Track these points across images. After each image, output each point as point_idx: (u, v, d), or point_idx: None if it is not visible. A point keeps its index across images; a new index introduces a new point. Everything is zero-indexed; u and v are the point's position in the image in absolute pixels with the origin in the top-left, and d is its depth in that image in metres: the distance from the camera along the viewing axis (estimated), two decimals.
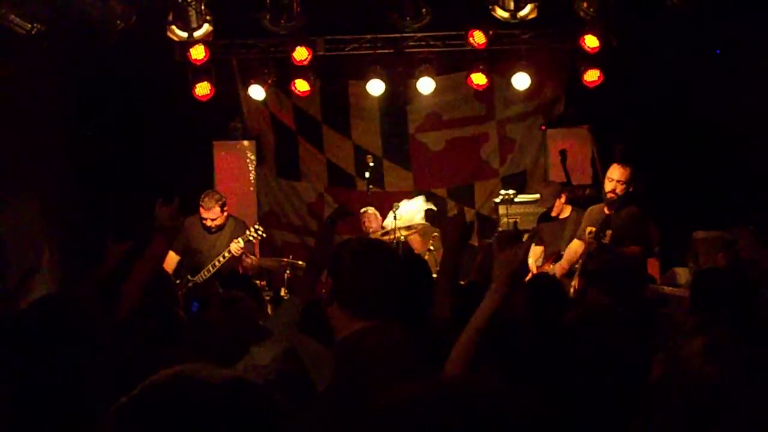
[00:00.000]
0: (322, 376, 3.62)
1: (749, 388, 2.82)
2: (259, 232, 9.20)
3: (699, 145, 10.75)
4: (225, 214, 9.30)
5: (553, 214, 9.61)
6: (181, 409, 1.91)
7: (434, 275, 8.59)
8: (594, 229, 8.34)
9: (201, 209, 9.16)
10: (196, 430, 1.91)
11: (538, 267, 9.37)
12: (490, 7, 8.56)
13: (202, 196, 9.22)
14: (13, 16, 8.22)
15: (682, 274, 9.14)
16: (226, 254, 9.04)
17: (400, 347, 3.64)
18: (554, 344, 4.20)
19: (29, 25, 8.35)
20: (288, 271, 9.75)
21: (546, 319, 4.99)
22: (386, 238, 9.81)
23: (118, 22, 8.70)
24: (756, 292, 5.39)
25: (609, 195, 8.31)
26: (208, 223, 9.21)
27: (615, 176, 8.31)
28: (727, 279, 5.30)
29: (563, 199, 9.49)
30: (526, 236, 8.63)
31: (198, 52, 10.16)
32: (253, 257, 9.40)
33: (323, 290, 3.72)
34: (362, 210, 10.64)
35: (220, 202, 9.20)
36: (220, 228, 9.27)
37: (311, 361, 3.79)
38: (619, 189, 8.31)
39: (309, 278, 4.72)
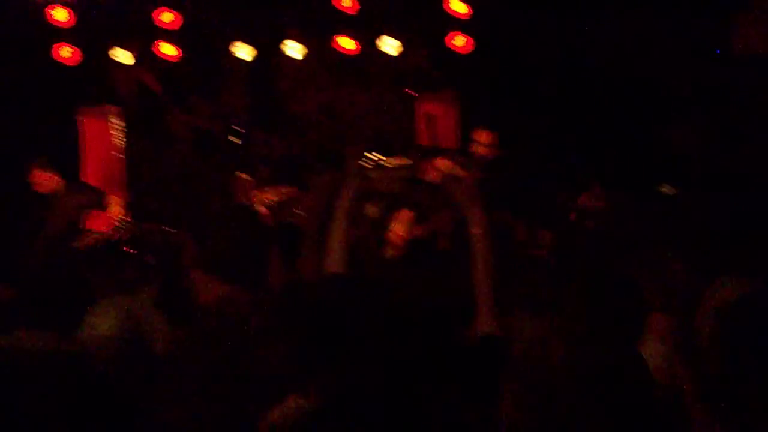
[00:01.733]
0: (161, 343, 3.63)
1: None
2: (128, 225, 9.13)
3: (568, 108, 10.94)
4: (54, 177, 9.32)
5: (422, 177, 9.69)
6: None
7: None
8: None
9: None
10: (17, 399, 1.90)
11: (410, 231, 9.44)
12: None
13: None
14: None
15: None
16: None
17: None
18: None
19: None
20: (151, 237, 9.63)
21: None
22: (253, 200, 9.79)
23: None
24: None
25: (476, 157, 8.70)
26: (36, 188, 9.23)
27: (482, 140, 8.70)
28: None
29: (432, 163, 9.60)
30: None
31: (61, 14, 9.94)
32: None
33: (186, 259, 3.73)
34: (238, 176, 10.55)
35: (42, 166, 9.26)
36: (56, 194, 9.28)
37: (150, 327, 3.80)
38: (487, 152, 8.70)
39: None
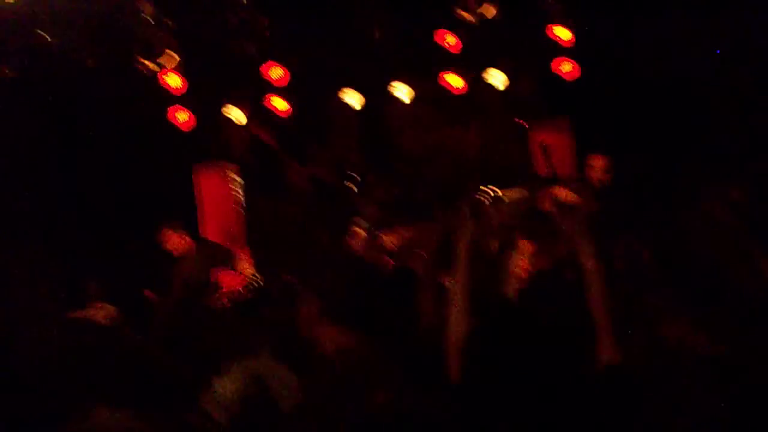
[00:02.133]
0: (290, 401, 3.63)
1: None
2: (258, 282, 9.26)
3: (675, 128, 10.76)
4: (187, 239, 9.47)
5: (542, 208, 9.60)
6: None
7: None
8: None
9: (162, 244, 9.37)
10: None
11: (533, 263, 9.34)
12: (454, 10, 8.60)
13: None
14: None
15: None
16: None
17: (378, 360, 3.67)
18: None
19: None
20: (277, 291, 9.71)
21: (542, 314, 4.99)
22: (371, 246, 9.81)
23: (89, 60, 8.72)
24: None
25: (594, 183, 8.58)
26: (175, 254, 9.39)
27: (598, 165, 8.58)
28: None
29: (552, 193, 9.51)
30: None
31: (174, 81, 10.19)
32: None
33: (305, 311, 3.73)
34: (352, 228, 10.61)
35: (175, 230, 9.41)
36: (189, 254, 9.45)
37: (277, 386, 3.80)
38: (603, 177, 8.60)
39: None
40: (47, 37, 8.27)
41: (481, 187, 10.70)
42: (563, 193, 8.58)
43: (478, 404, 3.52)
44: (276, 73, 10.63)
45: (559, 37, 10.30)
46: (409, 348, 4.35)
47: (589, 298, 3.83)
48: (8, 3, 7.20)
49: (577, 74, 10.56)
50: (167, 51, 8.76)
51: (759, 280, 4.96)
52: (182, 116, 10.69)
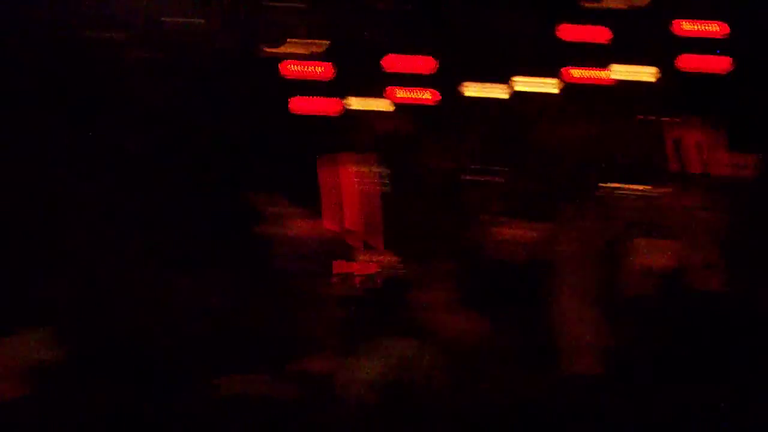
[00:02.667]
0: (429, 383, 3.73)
1: None
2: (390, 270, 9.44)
3: None
4: None
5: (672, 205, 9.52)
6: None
7: None
8: None
9: None
10: None
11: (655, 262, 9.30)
12: None
13: None
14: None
15: None
16: None
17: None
18: None
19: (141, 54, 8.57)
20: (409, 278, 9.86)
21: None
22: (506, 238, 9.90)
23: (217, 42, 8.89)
24: None
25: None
26: None
27: (738, 162, 8.55)
28: None
29: (682, 190, 9.43)
30: None
31: (321, 69, 10.38)
32: None
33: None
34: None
35: None
36: None
37: (416, 369, 3.93)
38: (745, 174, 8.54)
39: None
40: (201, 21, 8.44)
41: (615, 183, 10.71)
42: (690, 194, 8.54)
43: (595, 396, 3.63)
44: (417, 63, 10.72)
45: (708, 31, 10.14)
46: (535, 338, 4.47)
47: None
48: None
49: (726, 69, 10.38)
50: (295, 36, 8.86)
51: None
52: (329, 104, 10.86)
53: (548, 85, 11.15)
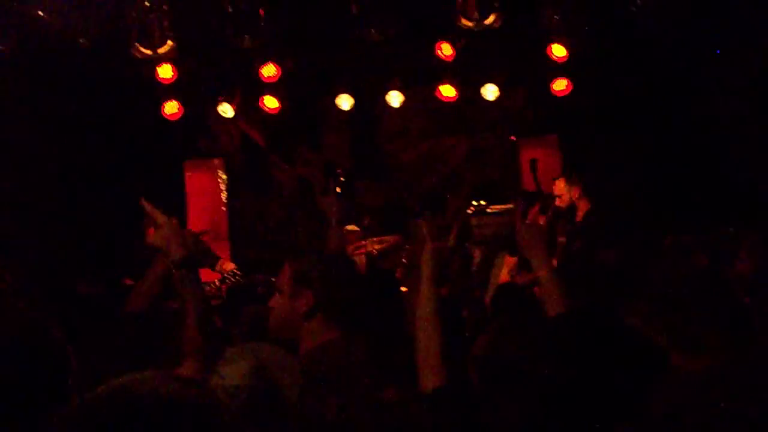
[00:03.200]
0: (294, 390, 3.61)
1: None
2: (237, 277, 9.22)
3: (666, 151, 10.81)
4: None
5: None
6: (122, 423, 1.89)
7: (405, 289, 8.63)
8: (564, 239, 8.45)
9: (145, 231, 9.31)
10: None
11: (512, 277, 9.36)
12: (455, 17, 8.59)
13: None
14: None
15: None
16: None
17: (362, 358, 3.70)
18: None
19: None
20: (259, 288, 9.70)
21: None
22: (359, 252, 9.81)
23: (81, 40, 8.65)
24: None
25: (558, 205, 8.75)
26: None
27: (554, 191, 8.78)
28: None
29: (536, 208, 9.51)
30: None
31: (165, 71, 10.08)
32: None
33: (302, 306, 3.75)
34: (348, 228, 10.58)
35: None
36: None
37: (281, 375, 3.78)
38: (561, 202, 8.78)
39: None
40: (41, 13, 8.18)
41: (468, 199, 10.76)
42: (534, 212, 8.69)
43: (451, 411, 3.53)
44: (269, 70, 10.51)
45: (555, 54, 10.30)
46: (390, 350, 4.34)
47: (549, 308, 3.82)
48: None
49: (569, 91, 10.57)
50: (162, 38, 8.65)
51: None
52: (171, 108, 10.59)
53: (412, 99, 11.09)
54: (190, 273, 3.78)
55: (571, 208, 9.04)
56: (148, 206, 4.03)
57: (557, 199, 9.05)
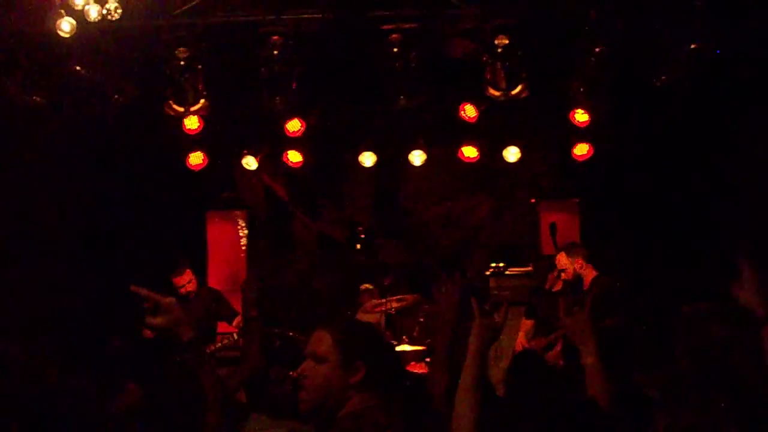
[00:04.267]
0: None
1: None
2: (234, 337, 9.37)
3: (688, 215, 10.88)
4: (194, 280, 9.53)
5: (546, 287, 9.69)
6: None
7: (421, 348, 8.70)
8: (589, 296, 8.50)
9: (173, 280, 9.40)
10: None
11: (529, 341, 9.42)
12: (483, 86, 8.72)
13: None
14: (14, 87, 8.35)
15: None
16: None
17: (400, 425, 3.76)
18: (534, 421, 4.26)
19: (29, 97, 8.47)
20: (277, 342, 9.76)
21: (528, 393, 5.07)
22: (378, 309, 9.89)
23: (117, 96, 8.80)
24: None
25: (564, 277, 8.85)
26: (181, 291, 9.42)
27: (559, 266, 8.86)
28: None
29: (555, 272, 9.57)
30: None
31: (192, 122, 10.16)
32: None
33: (355, 377, 3.76)
34: (363, 287, 10.66)
35: (189, 266, 9.47)
36: (191, 296, 9.51)
37: None
38: (565, 275, 8.87)
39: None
40: (81, 69, 8.35)
41: (489, 261, 10.84)
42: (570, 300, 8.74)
43: None
44: (294, 125, 10.60)
45: (577, 120, 10.40)
46: (420, 417, 4.42)
47: (592, 392, 3.93)
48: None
49: (590, 156, 10.67)
50: (195, 97, 8.79)
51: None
52: (196, 159, 10.71)
53: (434, 159, 11.20)
54: (202, 352, 3.78)
55: (577, 278, 9.10)
56: (143, 291, 3.73)
57: (562, 273, 9.13)
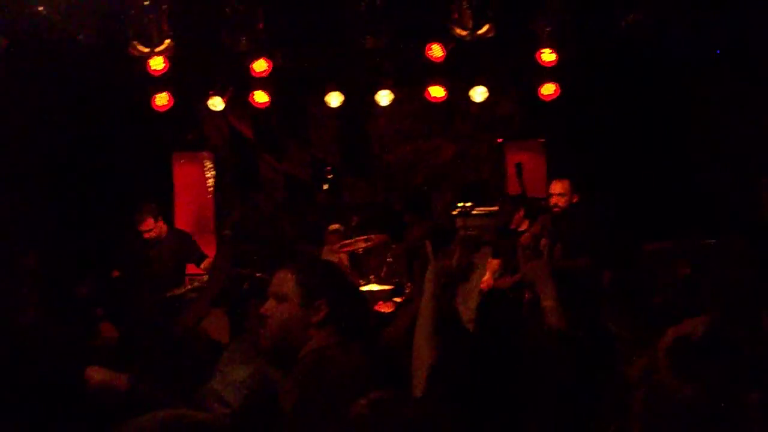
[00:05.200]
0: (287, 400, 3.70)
1: None
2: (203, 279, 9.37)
3: (652, 158, 10.96)
4: (160, 224, 9.47)
5: (512, 226, 9.72)
6: None
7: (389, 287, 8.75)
8: (547, 242, 8.51)
9: (136, 224, 9.36)
10: None
11: (496, 280, 9.46)
12: (449, 25, 8.69)
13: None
14: None
15: None
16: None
17: (360, 364, 3.79)
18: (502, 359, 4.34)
19: None
20: (246, 283, 9.79)
21: (497, 332, 5.16)
22: (345, 249, 9.91)
23: (80, 36, 8.72)
24: None
25: (554, 210, 8.70)
26: (145, 236, 9.38)
27: (554, 190, 8.75)
28: None
29: (522, 212, 9.59)
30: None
31: (157, 63, 10.10)
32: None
33: (317, 315, 3.79)
34: (331, 228, 10.66)
35: (152, 213, 9.38)
36: (159, 240, 9.46)
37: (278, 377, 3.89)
38: (561, 202, 8.74)
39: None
40: (43, 9, 8.25)
41: (454, 200, 10.87)
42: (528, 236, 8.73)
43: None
44: (260, 65, 10.57)
45: (543, 60, 10.42)
46: (380, 356, 4.45)
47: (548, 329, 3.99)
48: None
49: (556, 96, 10.69)
50: (160, 37, 8.72)
51: None
52: (161, 100, 10.63)
53: (401, 100, 11.19)
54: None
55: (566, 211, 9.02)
56: None
57: (557, 197, 8.95)
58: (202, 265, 9.71)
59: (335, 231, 10.53)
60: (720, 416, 2.88)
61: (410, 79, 11.21)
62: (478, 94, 10.93)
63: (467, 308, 8.50)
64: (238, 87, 10.97)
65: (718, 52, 10.22)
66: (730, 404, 2.89)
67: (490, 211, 10.76)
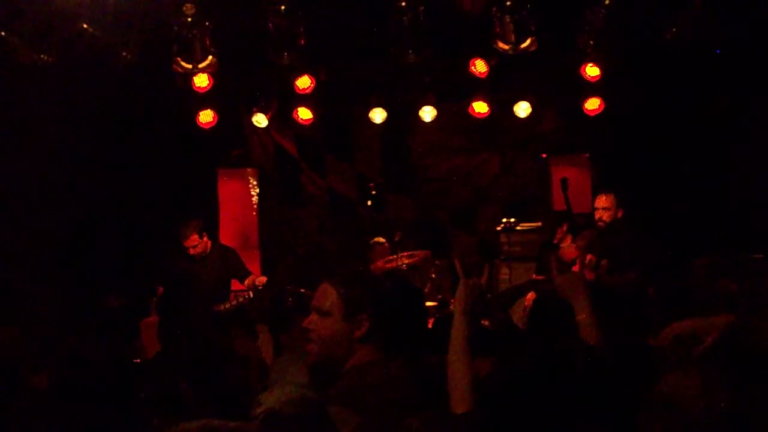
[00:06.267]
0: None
1: None
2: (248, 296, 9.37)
3: (698, 172, 10.84)
4: (205, 239, 9.49)
5: (555, 242, 9.65)
6: None
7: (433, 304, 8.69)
8: (593, 257, 8.44)
9: (181, 240, 9.38)
10: None
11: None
12: (492, 40, 8.67)
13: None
14: (21, 46, 8.35)
15: None
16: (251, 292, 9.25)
17: (398, 383, 3.75)
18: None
19: (36, 56, 8.46)
20: (290, 299, 9.79)
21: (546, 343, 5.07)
22: (389, 266, 9.88)
23: (124, 53, 8.79)
24: None
25: (598, 224, 8.64)
26: (190, 251, 9.40)
27: (600, 204, 8.69)
28: None
29: (565, 227, 9.53)
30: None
31: (201, 80, 10.19)
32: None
33: (358, 330, 3.76)
34: (372, 241, 10.64)
35: (197, 228, 9.40)
36: (204, 255, 9.48)
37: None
38: (606, 216, 8.68)
39: None
40: (88, 27, 8.33)
41: (499, 216, 10.81)
42: (566, 251, 8.66)
43: None
44: (304, 82, 10.61)
45: (587, 74, 10.37)
46: (422, 373, 4.41)
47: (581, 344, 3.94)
48: None
49: (601, 110, 10.62)
50: (203, 53, 8.78)
51: None
52: (206, 117, 10.69)
53: (445, 116, 11.18)
54: None
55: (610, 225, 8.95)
56: None
57: (602, 211, 8.88)
58: (245, 282, 9.72)
59: (378, 243, 10.51)
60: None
61: (453, 95, 11.20)
62: (522, 109, 10.89)
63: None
64: (282, 103, 11.02)
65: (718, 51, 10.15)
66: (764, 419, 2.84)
67: (534, 226, 10.71)
